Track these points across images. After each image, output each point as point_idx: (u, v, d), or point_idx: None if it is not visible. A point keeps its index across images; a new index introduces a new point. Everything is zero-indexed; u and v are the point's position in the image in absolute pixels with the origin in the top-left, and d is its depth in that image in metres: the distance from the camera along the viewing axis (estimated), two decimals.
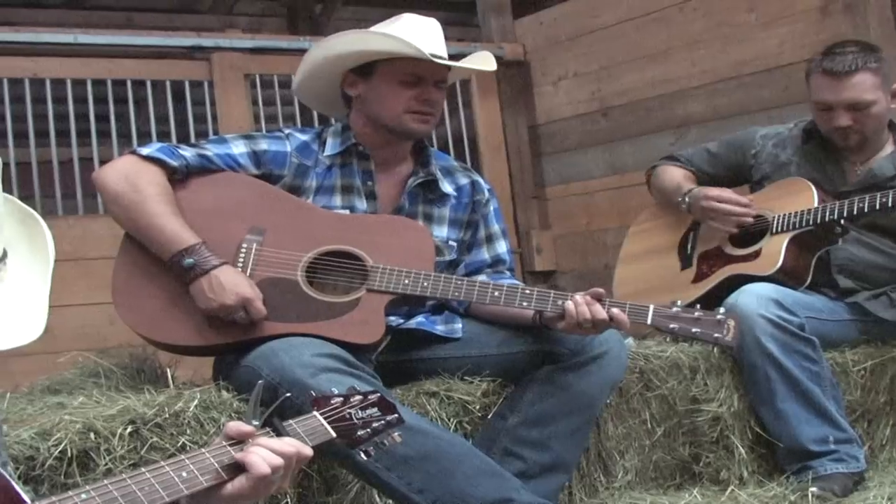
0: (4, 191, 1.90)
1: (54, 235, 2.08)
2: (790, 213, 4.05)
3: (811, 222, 3.99)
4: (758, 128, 4.52)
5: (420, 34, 3.46)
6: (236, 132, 4.09)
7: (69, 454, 2.76)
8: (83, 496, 1.74)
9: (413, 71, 3.45)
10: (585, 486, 3.62)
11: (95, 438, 2.81)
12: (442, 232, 3.63)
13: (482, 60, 3.69)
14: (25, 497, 1.77)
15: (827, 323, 3.98)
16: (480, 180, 3.78)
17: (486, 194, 3.76)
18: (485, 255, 3.71)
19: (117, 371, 3.48)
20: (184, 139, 5.37)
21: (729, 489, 3.67)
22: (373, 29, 3.56)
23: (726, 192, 4.22)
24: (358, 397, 2.44)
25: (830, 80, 4.06)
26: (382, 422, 2.45)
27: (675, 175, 4.47)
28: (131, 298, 3.30)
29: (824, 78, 4.08)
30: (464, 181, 3.73)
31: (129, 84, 5.49)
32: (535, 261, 6.30)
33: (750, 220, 4.17)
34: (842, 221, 3.97)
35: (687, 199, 4.31)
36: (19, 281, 1.95)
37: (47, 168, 5.25)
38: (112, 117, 5.43)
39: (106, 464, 2.80)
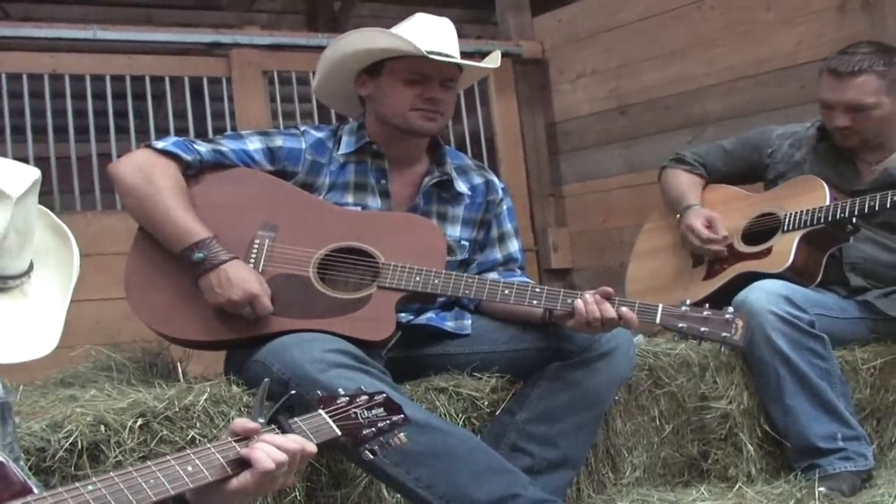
0: None
1: (72, 231, 2.12)
2: (801, 211, 4.05)
3: (822, 220, 3.99)
4: (774, 127, 4.52)
5: (429, 33, 3.48)
6: (254, 128, 4.12)
7: (80, 446, 2.79)
8: (90, 487, 1.76)
9: (417, 69, 3.46)
10: (593, 482, 3.64)
11: (106, 431, 2.84)
12: (455, 231, 3.64)
13: (486, 58, 3.71)
14: (35, 488, 1.81)
15: (837, 321, 3.98)
16: (494, 179, 3.80)
17: (500, 193, 3.77)
18: (497, 254, 3.73)
19: (129, 365, 3.52)
20: (202, 135, 5.34)
21: (736, 486, 3.67)
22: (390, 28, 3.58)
23: (706, 231, 4.26)
24: (364, 397, 2.46)
25: (832, 80, 4.09)
26: (388, 422, 2.47)
27: (680, 183, 4.50)
28: (143, 292, 3.34)
29: (828, 76, 4.11)
30: (478, 180, 3.74)
31: (147, 80, 5.52)
32: (551, 258, 6.30)
33: (719, 255, 4.24)
34: (853, 220, 3.97)
35: (678, 217, 4.41)
36: (41, 295, 1.98)
37: (66, 164, 5.27)
38: (130, 113, 5.44)
39: (116, 456, 2.82)
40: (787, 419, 3.83)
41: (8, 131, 5.15)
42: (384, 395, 2.52)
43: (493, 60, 3.68)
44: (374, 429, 2.42)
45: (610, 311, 3.21)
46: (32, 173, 1.94)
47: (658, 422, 3.78)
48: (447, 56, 3.47)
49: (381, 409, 2.47)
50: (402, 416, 2.51)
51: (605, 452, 3.68)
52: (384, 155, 3.58)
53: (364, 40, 3.49)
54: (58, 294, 2.01)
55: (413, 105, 3.48)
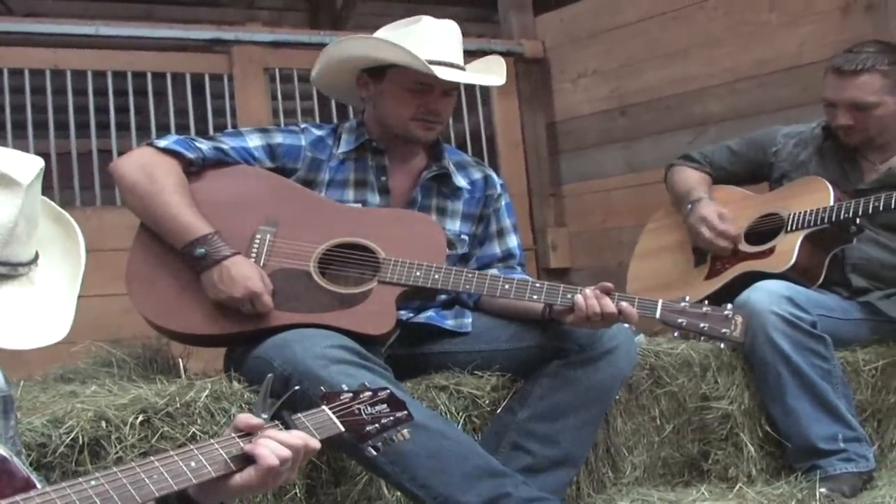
0: None
1: None
2: (805, 211, 4.04)
3: (826, 220, 3.98)
4: (780, 126, 4.52)
5: (434, 41, 3.48)
6: (255, 126, 4.12)
7: (80, 442, 2.79)
8: (93, 482, 1.76)
9: (421, 80, 3.46)
10: (593, 481, 3.63)
11: (107, 427, 2.84)
12: (454, 226, 3.65)
13: (492, 70, 3.69)
14: (38, 483, 1.80)
15: (839, 322, 3.97)
16: (493, 175, 3.80)
17: (499, 189, 3.77)
18: (496, 249, 3.73)
19: (130, 361, 3.52)
20: (202, 132, 5.36)
21: (737, 487, 3.66)
22: (391, 27, 3.57)
23: (719, 222, 4.24)
24: (368, 393, 2.46)
25: (835, 78, 4.10)
26: (391, 418, 2.46)
27: (688, 178, 4.48)
28: (144, 287, 3.34)
29: (831, 75, 4.12)
30: (477, 175, 3.75)
31: (149, 76, 5.52)
32: (550, 258, 6.29)
33: (725, 251, 4.23)
34: (857, 220, 3.96)
35: (689, 209, 4.36)
36: (49, 283, 1.98)
37: (66, 159, 5.26)
38: (132, 109, 5.44)
39: (117, 452, 2.82)
40: (788, 420, 3.82)
41: (9, 126, 5.14)
42: (388, 391, 2.52)
43: (499, 74, 3.66)
44: (377, 425, 2.41)
45: (610, 305, 3.21)
46: (37, 161, 1.95)
47: (658, 421, 3.77)
48: (450, 64, 3.47)
49: (385, 406, 2.46)
50: (405, 412, 2.51)
51: (606, 452, 3.67)
52: (384, 152, 3.59)
53: (368, 48, 3.51)
54: (63, 282, 2.01)
55: (415, 115, 3.50)
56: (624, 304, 3.23)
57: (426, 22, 3.57)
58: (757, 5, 5.44)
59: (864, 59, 4.03)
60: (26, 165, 1.91)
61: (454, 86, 3.55)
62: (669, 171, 4.62)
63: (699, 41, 5.69)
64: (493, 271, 3.58)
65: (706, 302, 3.32)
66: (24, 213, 1.88)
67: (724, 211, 4.29)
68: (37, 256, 1.97)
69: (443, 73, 3.42)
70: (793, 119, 4.74)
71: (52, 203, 2.12)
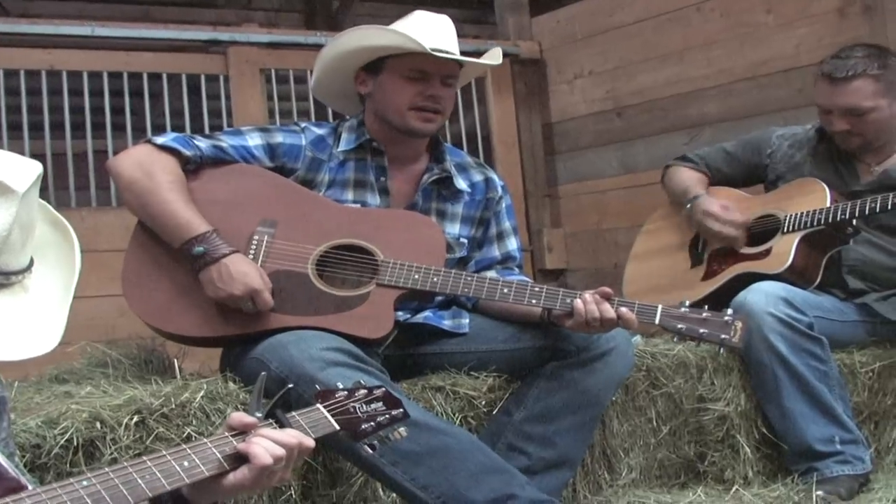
0: None
1: None
2: (802, 213, 4.04)
3: (822, 222, 3.98)
4: (775, 128, 4.51)
5: (429, 30, 3.47)
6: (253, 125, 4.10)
7: (75, 443, 2.77)
8: (84, 483, 1.74)
9: (417, 66, 3.45)
10: (589, 483, 3.62)
11: (101, 428, 2.82)
12: (454, 229, 3.63)
13: (487, 55, 3.69)
14: (29, 484, 1.79)
15: (835, 323, 3.96)
16: (494, 177, 3.78)
17: (500, 191, 3.75)
18: (495, 252, 3.71)
19: (125, 361, 3.50)
20: (198, 133, 5.37)
21: (733, 489, 3.66)
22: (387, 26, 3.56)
23: (724, 213, 4.23)
24: (363, 391, 2.44)
25: (828, 85, 4.10)
26: (387, 416, 2.45)
27: (685, 178, 4.47)
28: (141, 288, 3.31)
29: (823, 82, 4.12)
30: (478, 178, 3.72)
31: (144, 77, 5.50)
32: (545, 259, 6.30)
33: (739, 245, 4.20)
34: (853, 221, 3.96)
35: (689, 207, 4.35)
36: (43, 290, 1.97)
37: (62, 160, 5.26)
38: (127, 110, 5.45)
39: (111, 453, 2.80)
40: (785, 421, 3.82)
41: (4, 127, 5.13)
42: (383, 388, 2.50)
43: (495, 57, 3.66)
44: (372, 423, 2.40)
45: (609, 311, 3.20)
46: (35, 167, 1.93)
47: (655, 423, 3.77)
48: (448, 53, 3.45)
49: (380, 404, 2.45)
50: (401, 410, 2.49)
51: (602, 453, 3.67)
52: (384, 152, 3.56)
53: (364, 38, 3.48)
54: (58, 290, 1.99)
55: (413, 103, 3.46)
56: (623, 309, 3.22)
57: (419, 13, 3.57)
58: (753, 7, 5.45)
59: (855, 65, 4.03)
60: (23, 172, 1.89)
61: (452, 74, 3.52)
62: (666, 171, 4.62)
63: (695, 43, 5.69)
64: (492, 273, 3.57)
65: (706, 306, 3.30)
66: (18, 221, 1.86)
67: (727, 202, 4.29)
68: (32, 263, 1.96)
69: (437, 52, 3.41)
70: (789, 121, 4.74)
71: (50, 208, 2.10)
